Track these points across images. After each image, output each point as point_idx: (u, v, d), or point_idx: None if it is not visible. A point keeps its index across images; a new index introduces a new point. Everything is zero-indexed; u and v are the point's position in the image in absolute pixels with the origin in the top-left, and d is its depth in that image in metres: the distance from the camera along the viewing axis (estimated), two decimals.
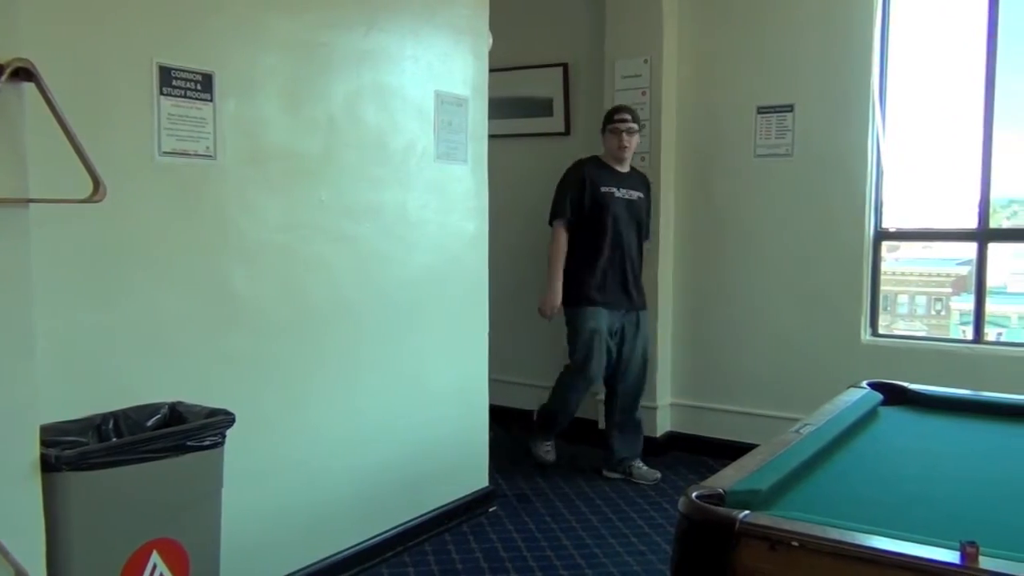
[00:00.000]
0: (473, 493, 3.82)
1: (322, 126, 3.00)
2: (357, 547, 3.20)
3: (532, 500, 4.04)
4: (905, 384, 2.50)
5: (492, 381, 3.96)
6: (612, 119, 4.23)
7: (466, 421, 3.79)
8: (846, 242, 4.35)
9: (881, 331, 4.49)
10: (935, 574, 1.25)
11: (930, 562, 1.27)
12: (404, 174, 3.38)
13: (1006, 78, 4.03)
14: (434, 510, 3.59)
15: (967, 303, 4.42)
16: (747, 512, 1.45)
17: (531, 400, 4.86)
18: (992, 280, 4.41)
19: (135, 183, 2.40)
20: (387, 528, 3.35)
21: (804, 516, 1.48)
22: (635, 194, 4.28)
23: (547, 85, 5.11)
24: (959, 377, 3.63)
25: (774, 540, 1.38)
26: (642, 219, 4.30)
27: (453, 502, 3.70)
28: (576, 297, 4.21)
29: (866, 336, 4.37)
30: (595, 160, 4.30)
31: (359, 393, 3.19)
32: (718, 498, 1.53)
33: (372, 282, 3.24)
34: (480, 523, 3.74)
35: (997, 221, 4.44)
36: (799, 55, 4.40)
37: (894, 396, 2.44)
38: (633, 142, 4.24)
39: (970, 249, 4.31)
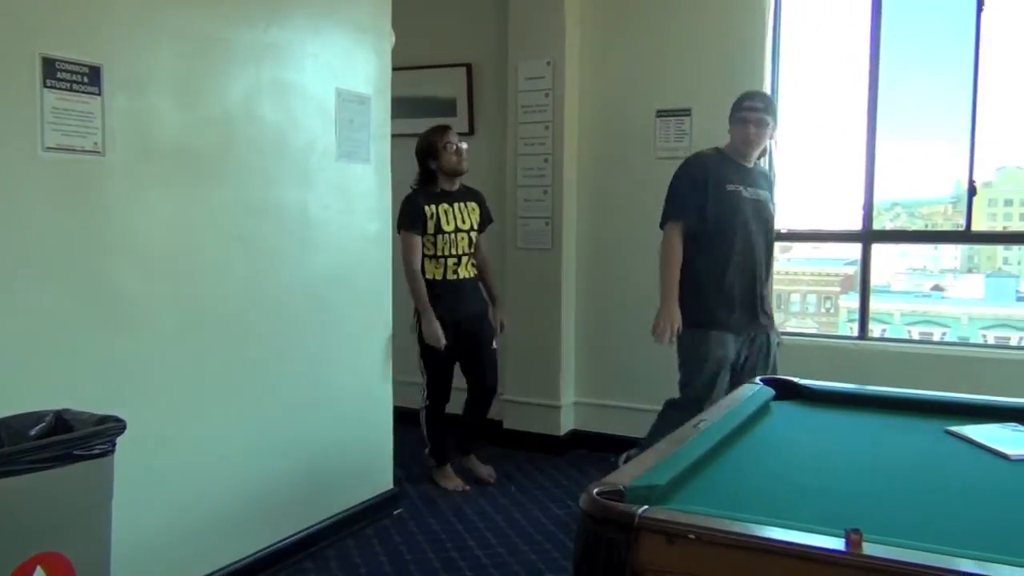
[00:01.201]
0: (377, 496, 3.78)
1: (219, 123, 2.92)
2: (256, 555, 3.12)
3: (437, 501, 4.03)
4: (796, 379, 2.60)
5: (397, 383, 3.92)
6: (741, 106, 3.53)
7: (370, 423, 3.74)
8: None
9: None
10: (822, 561, 1.31)
11: (817, 549, 1.32)
12: (304, 173, 3.31)
13: (888, 88, 4.24)
14: (337, 514, 3.53)
15: (854, 301, 4.63)
16: (646, 507, 1.48)
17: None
18: (876, 279, 4.64)
19: (16, 179, 2.29)
20: (287, 535, 3.28)
21: (701, 509, 1.52)
22: (763, 193, 3.60)
23: (451, 85, 5.10)
24: (846, 372, 3.80)
25: (672, 534, 1.41)
26: (771, 223, 3.65)
27: (356, 505, 3.65)
28: (697, 318, 3.46)
29: None
30: (717, 153, 3.60)
31: (256, 397, 3.12)
32: (618, 494, 1.56)
33: (270, 284, 3.17)
34: (385, 526, 3.71)
35: (881, 223, 4.67)
36: (696, 60, 4.52)
37: (786, 391, 2.53)
38: (763, 136, 3.53)
39: (856, 250, 4.52)
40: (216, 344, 2.93)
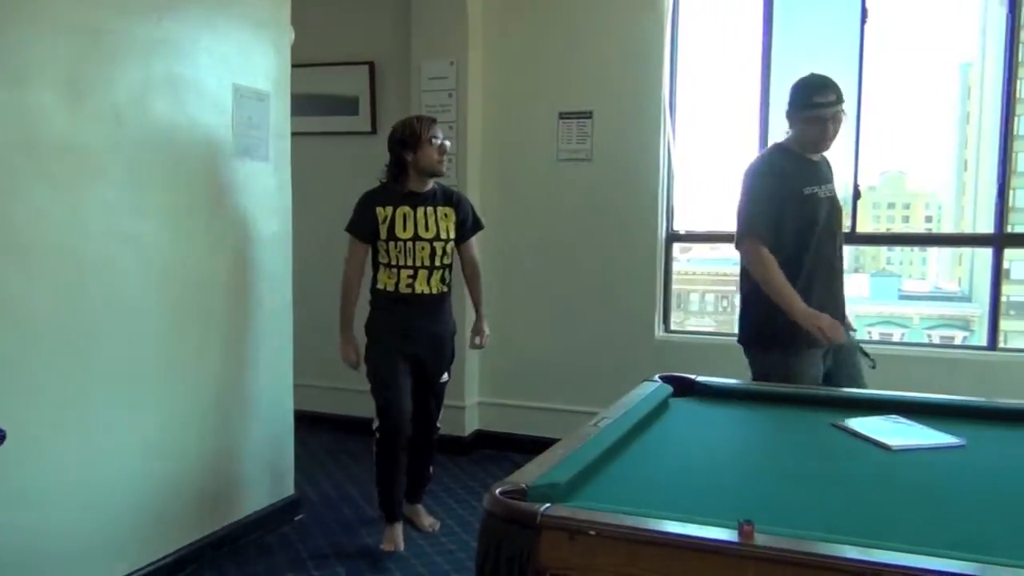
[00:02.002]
0: (278, 502, 3.70)
1: (108, 119, 2.80)
2: (150, 567, 3.01)
3: (340, 506, 3.97)
4: (693, 376, 2.66)
5: (297, 386, 3.85)
6: (811, 102, 3.02)
7: (270, 428, 3.66)
8: (641, 243, 4.59)
9: (674, 327, 4.77)
10: (716, 552, 1.35)
11: (711, 541, 1.36)
12: (199, 172, 3.22)
13: (779, 93, 4.40)
14: (236, 522, 3.44)
15: None
16: (548, 505, 1.49)
17: (339, 404, 4.77)
18: None
19: None
20: (183, 544, 3.17)
21: (601, 506, 1.54)
22: (832, 187, 3.19)
23: (353, 83, 5.04)
24: (742, 369, 3.92)
25: (573, 530, 1.43)
26: (841, 215, 3.24)
27: (256, 513, 3.56)
28: (784, 336, 3.00)
29: (660, 332, 4.63)
30: (785, 153, 3.13)
31: (148, 402, 3.01)
32: (521, 493, 1.57)
33: (162, 285, 3.06)
34: (285, 533, 3.63)
35: None
36: (597, 64, 4.59)
37: (683, 388, 2.59)
38: (840, 129, 3.09)
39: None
40: (102, 348, 2.81)
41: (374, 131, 5.01)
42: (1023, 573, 1.24)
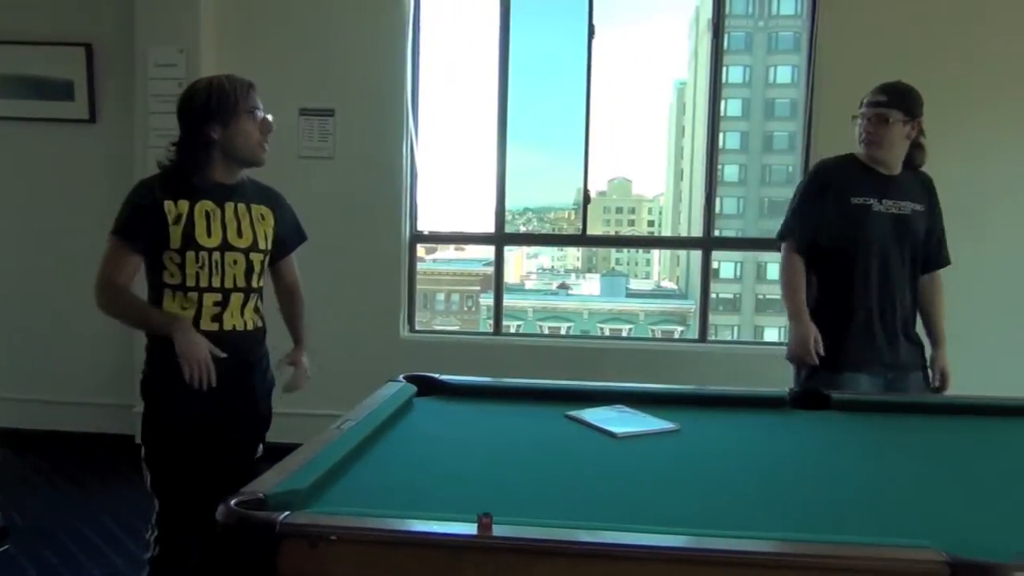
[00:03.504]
0: None
1: None
2: None
3: (56, 534, 3.59)
4: (436, 375, 2.69)
5: (2, 400, 3.44)
6: (863, 100, 2.92)
7: None
8: (385, 243, 4.59)
9: (420, 327, 4.82)
10: (456, 547, 1.37)
11: (450, 536, 1.38)
12: None
13: (517, 99, 4.59)
14: None
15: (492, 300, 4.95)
16: (287, 513, 1.44)
17: (45, 419, 4.30)
18: (511, 278, 5.04)
19: None
20: None
21: (344, 510, 1.52)
22: (910, 205, 2.93)
23: (67, 65, 4.59)
24: (485, 366, 4.04)
25: (313, 537, 1.39)
26: (919, 241, 2.95)
27: None
28: (826, 356, 2.84)
29: (405, 332, 4.66)
30: (847, 159, 2.98)
31: None
32: (259, 503, 1.50)
33: None
34: None
35: (515, 226, 5.06)
36: (340, 61, 4.53)
37: (427, 387, 2.61)
38: (884, 136, 2.86)
39: (491, 251, 4.83)
40: None
41: (92, 119, 4.59)
42: (732, 542, 1.38)
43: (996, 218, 4.30)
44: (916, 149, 2.94)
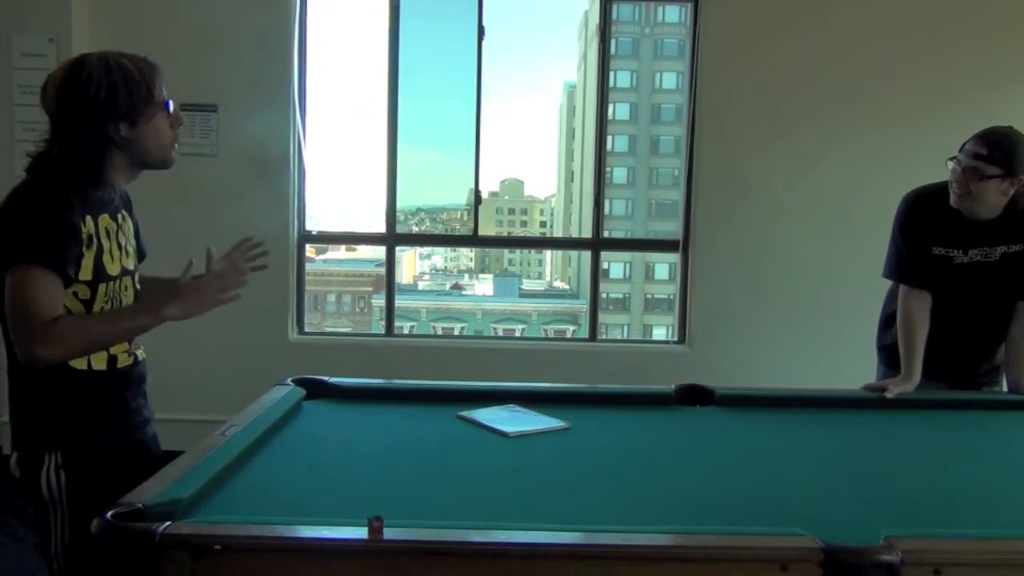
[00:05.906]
0: None
1: None
2: None
3: None
4: (325, 378, 2.64)
5: None
6: (963, 145, 2.59)
7: None
8: (272, 243, 4.41)
9: (310, 329, 4.72)
10: (346, 552, 1.35)
11: (341, 541, 1.36)
12: None
13: (407, 99, 4.56)
14: None
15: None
16: (168, 523, 1.39)
17: None
18: (404, 279, 5.00)
19: None
20: None
21: (228, 518, 1.47)
22: (1000, 250, 2.66)
23: None
24: (377, 368, 3.99)
25: (196, 547, 1.35)
26: (1007, 281, 2.70)
27: None
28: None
29: (293, 335, 4.56)
30: (934, 195, 2.69)
31: None
32: (137, 514, 1.44)
33: None
34: None
35: (408, 227, 5.03)
36: (223, 56, 4.39)
37: (316, 390, 2.56)
38: (977, 195, 2.55)
39: (383, 252, 4.78)
40: None
41: None
42: (621, 537, 1.41)
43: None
44: (1021, 197, 2.63)
